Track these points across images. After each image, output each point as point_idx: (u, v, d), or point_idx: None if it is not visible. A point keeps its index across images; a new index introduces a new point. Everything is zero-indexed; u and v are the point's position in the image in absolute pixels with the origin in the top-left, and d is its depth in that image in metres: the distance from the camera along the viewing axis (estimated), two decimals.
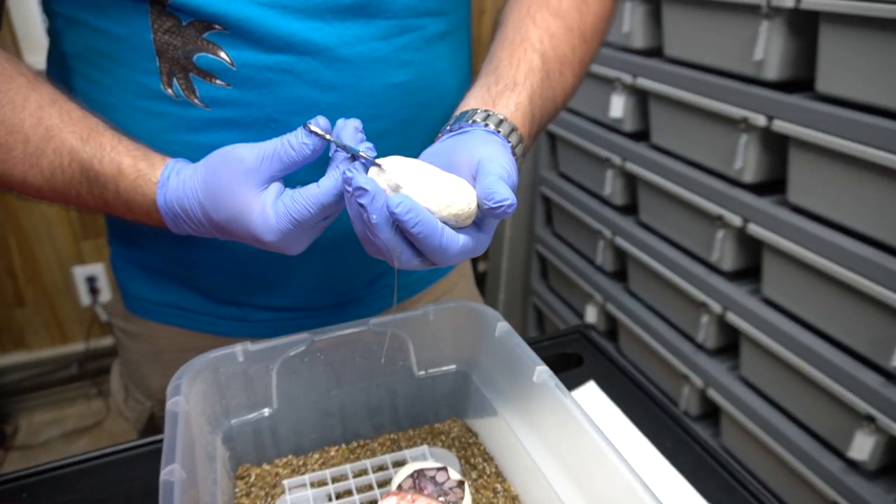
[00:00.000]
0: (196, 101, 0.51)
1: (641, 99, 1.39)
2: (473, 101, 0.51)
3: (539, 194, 1.82)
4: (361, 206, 0.40)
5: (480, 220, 0.43)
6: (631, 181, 1.47)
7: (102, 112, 0.53)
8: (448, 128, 0.50)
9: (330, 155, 0.45)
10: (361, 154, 0.43)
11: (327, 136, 0.43)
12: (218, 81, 0.50)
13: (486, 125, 0.48)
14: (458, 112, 0.51)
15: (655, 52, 1.33)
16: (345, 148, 0.43)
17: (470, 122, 0.49)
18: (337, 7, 0.50)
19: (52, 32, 0.55)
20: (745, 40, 1.08)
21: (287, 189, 0.45)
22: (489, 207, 0.40)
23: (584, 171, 1.62)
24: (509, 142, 0.48)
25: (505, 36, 0.57)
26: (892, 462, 0.99)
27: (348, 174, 0.40)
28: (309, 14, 0.49)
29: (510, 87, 0.51)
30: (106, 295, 1.89)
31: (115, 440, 1.82)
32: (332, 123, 0.46)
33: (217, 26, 0.48)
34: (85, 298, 1.88)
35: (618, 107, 1.41)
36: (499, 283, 2.02)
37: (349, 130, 0.44)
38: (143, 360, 0.70)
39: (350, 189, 0.40)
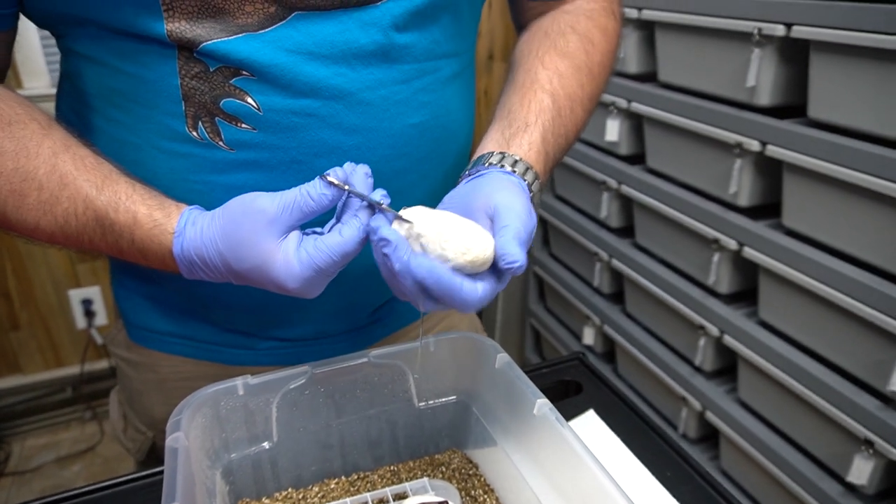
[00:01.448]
0: (221, 143, 0.52)
1: (636, 123, 1.40)
2: (489, 144, 0.54)
3: (536, 216, 1.82)
4: (385, 255, 0.43)
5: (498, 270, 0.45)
6: (627, 204, 1.48)
7: (124, 151, 0.54)
8: (467, 173, 0.52)
9: (342, 200, 0.46)
10: (383, 207, 0.45)
11: (345, 187, 0.44)
12: (243, 125, 0.51)
13: (502, 166, 0.50)
14: (475, 157, 0.53)
15: (650, 77, 1.35)
16: (363, 198, 0.45)
17: (486, 164, 0.51)
18: (361, 53, 0.51)
19: (71, 70, 0.55)
20: (737, 67, 1.09)
21: (305, 237, 0.46)
22: (502, 266, 0.43)
23: (580, 193, 1.63)
24: (525, 180, 0.50)
25: (515, 80, 0.59)
26: (892, 486, 0.99)
27: (373, 224, 0.43)
28: (335, 60, 0.50)
29: (523, 129, 0.54)
30: (102, 318, 1.88)
31: (109, 465, 1.82)
32: (357, 162, 0.47)
33: (244, 72, 0.49)
34: (80, 321, 1.87)
35: (613, 131, 1.43)
36: (496, 305, 2.02)
37: (360, 177, 0.45)
38: (145, 389, 0.70)
39: (375, 239, 0.43)
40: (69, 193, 0.48)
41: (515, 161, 0.51)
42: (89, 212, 0.48)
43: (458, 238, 0.42)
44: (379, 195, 0.45)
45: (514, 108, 0.56)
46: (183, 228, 0.47)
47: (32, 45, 1.64)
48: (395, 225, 0.44)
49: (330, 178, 0.44)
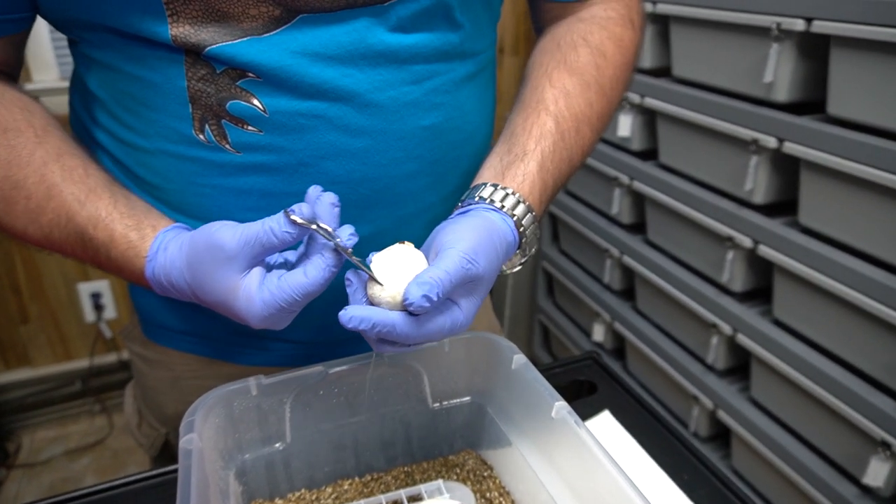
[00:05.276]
0: (227, 146, 0.51)
1: (649, 118, 1.39)
2: (486, 172, 0.53)
3: (545, 211, 1.81)
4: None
5: None
6: (639, 200, 1.47)
7: (132, 154, 0.54)
8: (460, 204, 0.52)
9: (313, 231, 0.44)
10: (349, 252, 0.43)
11: (311, 226, 0.43)
12: (250, 128, 0.50)
13: (491, 201, 0.50)
14: (472, 184, 0.53)
15: (663, 71, 1.33)
16: (328, 238, 0.43)
17: (476, 199, 0.51)
18: (369, 53, 0.50)
19: (83, 74, 0.55)
20: (754, 62, 1.08)
21: (268, 274, 0.45)
22: (405, 304, 0.42)
23: (591, 189, 1.62)
24: (514, 215, 0.50)
25: (523, 98, 0.58)
26: None
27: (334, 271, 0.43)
28: (341, 61, 0.50)
29: (520, 157, 0.53)
30: (110, 312, 1.89)
31: (118, 458, 1.83)
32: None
33: (250, 74, 0.49)
34: (89, 315, 1.87)
35: (625, 126, 1.41)
36: (504, 300, 2.01)
37: (325, 206, 0.44)
38: (160, 386, 0.70)
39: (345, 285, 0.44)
40: (54, 205, 0.49)
41: (506, 195, 0.50)
42: (71, 225, 0.49)
43: (382, 274, 0.44)
44: (346, 233, 0.44)
45: (517, 132, 0.55)
46: (155, 253, 0.47)
47: (42, 38, 1.63)
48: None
49: (293, 217, 0.42)
